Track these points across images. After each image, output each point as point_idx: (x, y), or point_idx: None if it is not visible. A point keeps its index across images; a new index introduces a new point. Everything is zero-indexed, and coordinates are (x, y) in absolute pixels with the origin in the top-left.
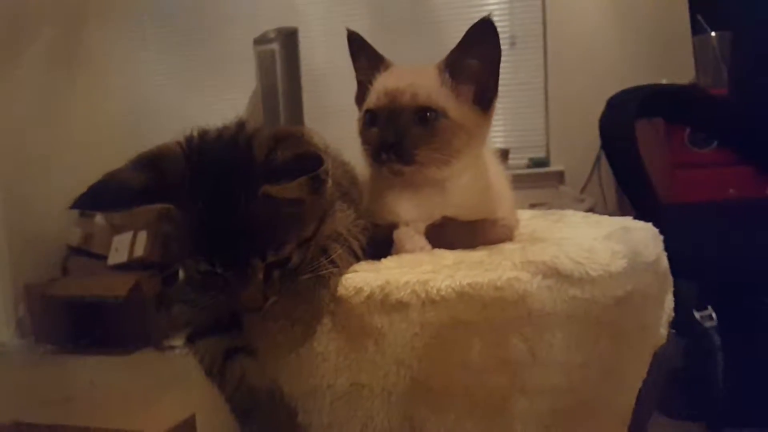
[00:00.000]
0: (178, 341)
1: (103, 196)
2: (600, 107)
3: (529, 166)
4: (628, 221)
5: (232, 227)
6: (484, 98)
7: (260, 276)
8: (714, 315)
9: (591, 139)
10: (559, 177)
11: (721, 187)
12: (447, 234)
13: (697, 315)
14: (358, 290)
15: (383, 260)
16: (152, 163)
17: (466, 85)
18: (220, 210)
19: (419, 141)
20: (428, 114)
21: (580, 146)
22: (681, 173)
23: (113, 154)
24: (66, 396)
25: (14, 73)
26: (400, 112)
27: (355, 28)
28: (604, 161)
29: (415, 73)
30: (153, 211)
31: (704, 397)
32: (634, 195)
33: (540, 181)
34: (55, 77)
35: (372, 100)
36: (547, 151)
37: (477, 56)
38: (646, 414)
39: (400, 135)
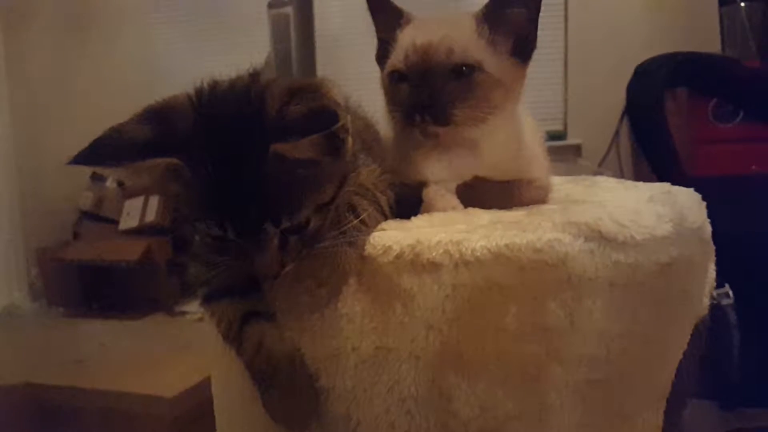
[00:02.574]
0: (191, 306)
1: (106, 150)
2: (620, 79)
3: (545, 139)
4: (669, 186)
5: (243, 189)
6: (525, 49)
7: (275, 242)
8: (731, 293)
9: (609, 112)
10: (576, 150)
11: (744, 162)
12: (479, 194)
13: (714, 292)
14: (387, 249)
15: (413, 219)
16: (159, 115)
17: (505, 35)
18: (230, 169)
19: (455, 99)
20: (464, 69)
21: (599, 119)
22: (703, 148)
23: (125, 117)
24: (77, 358)
25: (27, 35)
26: (433, 69)
27: None
28: (622, 135)
29: (447, 25)
30: (159, 166)
31: (718, 376)
32: (658, 164)
33: (557, 154)
34: (67, 39)
35: (399, 57)
36: (565, 124)
37: (521, 3)
38: (686, 388)
39: (435, 95)
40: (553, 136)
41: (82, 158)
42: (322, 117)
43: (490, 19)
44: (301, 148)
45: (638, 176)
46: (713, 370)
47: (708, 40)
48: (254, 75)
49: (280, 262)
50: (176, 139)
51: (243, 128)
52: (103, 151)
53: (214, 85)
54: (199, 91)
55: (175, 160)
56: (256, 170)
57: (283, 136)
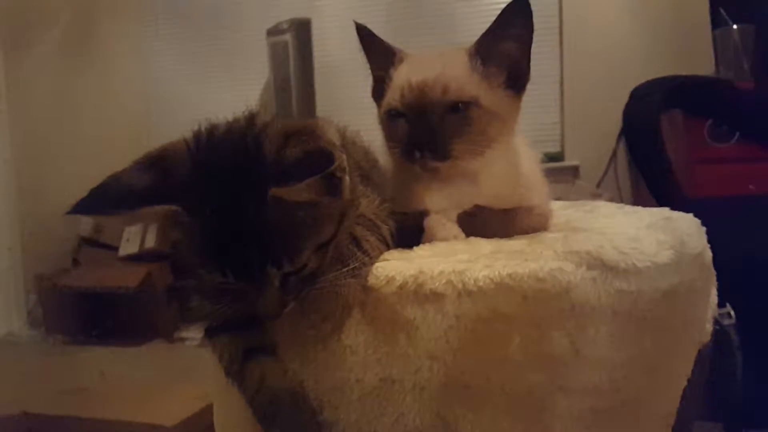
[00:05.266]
0: (191, 332)
1: (104, 199)
2: (617, 101)
3: (543, 161)
4: (668, 211)
5: (243, 234)
6: (518, 81)
7: (276, 284)
8: (732, 313)
9: (606, 133)
10: (574, 172)
11: (741, 182)
12: (480, 222)
13: (716, 313)
14: (390, 280)
15: (416, 248)
16: (156, 163)
17: (498, 69)
18: (230, 215)
19: (453, 134)
20: (460, 105)
21: (596, 140)
22: (700, 168)
23: (125, 145)
24: (76, 387)
25: (28, 64)
26: (430, 107)
27: (370, 18)
28: (619, 156)
29: (441, 62)
30: (158, 213)
31: (723, 397)
32: (656, 186)
33: (555, 175)
34: (68, 68)
35: (395, 96)
36: (562, 146)
37: (513, 38)
38: (691, 414)
39: (433, 131)
40: (550, 157)
41: (82, 208)
42: (319, 159)
43: (483, 53)
44: (300, 191)
45: (636, 196)
46: (717, 391)
47: (702, 63)
48: (250, 118)
49: (281, 302)
50: (175, 187)
51: (241, 174)
52: (102, 200)
53: (212, 129)
54: (196, 136)
55: (173, 208)
56: (256, 215)
57: (282, 180)
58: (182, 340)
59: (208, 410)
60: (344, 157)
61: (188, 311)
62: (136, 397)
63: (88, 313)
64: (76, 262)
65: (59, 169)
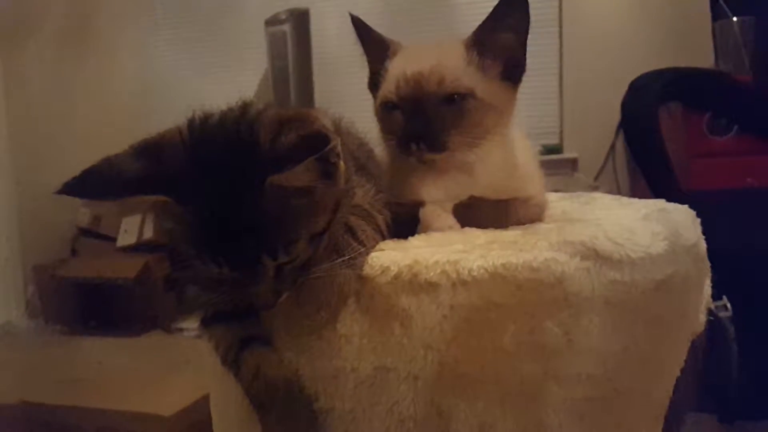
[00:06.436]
0: (188, 323)
1: (94, 183)
2: (616, 93)
3: (542, 153)
4: (663, 203)
5: (238, 224)
6: (515, 73)
7: (270, 274)
8: (729, 305)
9: (605, 126)
10: (573, 164)
11: (739, 175)
12: (476, 213)
13: (711, 305)
14: (385, 269)
15: (411, 239)
16: (150, 150)
17: (494, 60)
18: (224, 205)
19: (449, 126)
20: (456, 97)
21: (594, 133)
22: (699, 162)
23: (124, 135)
24: (74, 377)
25: (25, 54)
26: (425, 99)
27: (368, 8)
28: (618, 148)
29: (437, 53)
30: (147, 203)
31: (717, 389)
32: (654, 179)
33: (553, 168)
34: (66, 58)
35: (390, 88)
36: (561, 138)
37: (509, 29)
38: (684, 404)
39: (429, 123)
40: (549, 150)
41: (71, 188)
42: (314, 142)
43: (479, 44)
44: (297, 176)
45: (635, 189)
46: (712, 382)
47: (701, 55)
48: (244, 106)
49: (276, 292)
50: (167, 177)
51: (235, 162)
52: (93, 184)
53: (206, 118)
54: (190, 124)
55: (163, 198)
56: (251, 204)
57: (278, 167)
58: (180, 330)
59: (205, 400)
60: (339, 140)
61: (184, 301)
62: (134, 387)
63: (86, 304)
64: (74, 252)
65: (57, 159)
